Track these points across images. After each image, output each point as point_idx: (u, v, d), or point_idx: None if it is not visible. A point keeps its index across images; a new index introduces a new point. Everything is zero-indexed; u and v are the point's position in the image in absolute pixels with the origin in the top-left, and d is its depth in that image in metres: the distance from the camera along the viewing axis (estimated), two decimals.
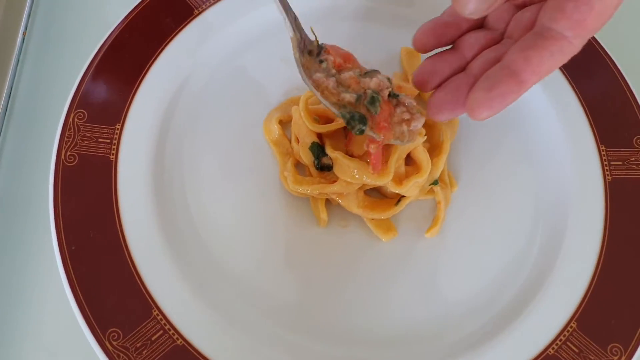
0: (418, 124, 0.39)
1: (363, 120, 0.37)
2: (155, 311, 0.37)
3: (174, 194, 0.42)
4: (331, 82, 0.38)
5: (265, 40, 0.49)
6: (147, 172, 0.41)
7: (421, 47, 0.40)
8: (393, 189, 0.41)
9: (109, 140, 0.42)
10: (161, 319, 0.37)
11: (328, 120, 0.43)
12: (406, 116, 0.38)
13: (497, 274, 0.41)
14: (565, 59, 0.33)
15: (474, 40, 0.39)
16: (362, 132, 0.37)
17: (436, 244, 0.42)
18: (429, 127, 0.45)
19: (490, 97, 0.33)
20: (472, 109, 0.34)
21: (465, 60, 0.39)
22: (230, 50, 0.48)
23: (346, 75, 0.39)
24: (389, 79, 0.39)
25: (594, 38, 0.49)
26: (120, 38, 0.45)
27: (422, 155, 0.41)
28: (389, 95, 0.38)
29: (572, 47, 0.32)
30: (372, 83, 0.38)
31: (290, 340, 0.38)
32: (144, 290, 0.37)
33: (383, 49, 0.50)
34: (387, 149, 0.40)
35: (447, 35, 0.39)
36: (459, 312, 0.40)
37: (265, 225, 0.42)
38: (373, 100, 0.37)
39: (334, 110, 0.37)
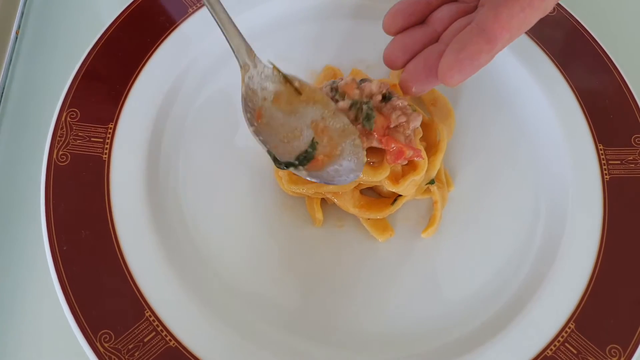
0: (416, 123, 0.39)
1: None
2: (147, 312, 0.36)
3: (168, 194, 0.41)
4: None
5: (262, 38, 0.48)
6: (140, 171, 0.41)
7: (389, 28, 0.38)
8: (389, 187, 0.40)
9: (101, 140, 0.41)
10: (154, 321, 0.36)
11: None
12: (402, 119, 0.38)
13: (494, 274, 0.41)
14: (536, 15, 0.32)
15: (445, 13, 0.38)
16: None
17: (433, 244, 0.42)
18: (425, 125, 0.44)
19: (460, 58, 0.32)
20: (443, 74, 0.33)
21: (437, 34, 0.37)
22: (225, 48, 0.47)
23: (345, 80, 0.39)
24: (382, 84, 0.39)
25: (592, 38, 0.48)
26: (114, 36, 0.45)
27: (421, 150, 0.41)
28: (383, 98, 0.38)
29: (543, 2, 0.31)
30: (374, 85, 0.39)
31: (285, 342, 0.38)
32: (136, 291, 0.37)
33: (382, 47, 0.49)
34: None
35: (416, 14, 0.38)
36: (455, 313, 0.39)
37: (260, 225, 0.41)
38: (369, 117, 0.37)
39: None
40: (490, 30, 0.32)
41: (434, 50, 0.36)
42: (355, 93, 0.38)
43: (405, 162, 0.39)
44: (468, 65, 0.32)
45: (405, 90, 0.39)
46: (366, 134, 0.39)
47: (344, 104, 0.38)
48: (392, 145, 0.38)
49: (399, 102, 0.39)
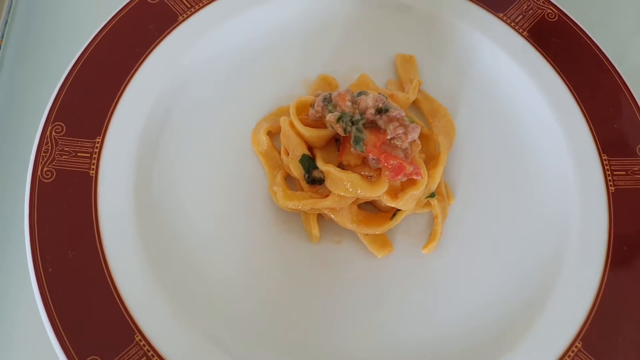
0: (414, 134, 0.38)
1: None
2: (137, 336, 0.35)
3: (158, 211, 0.40)
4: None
5: (256, 47, 0.46)
6: (128, 187, 0.39)
7: None
8: (388, 202, 0.39)
9: (88, 155, 0.40)
10: (144, 345, 0.35)
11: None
12: (400, 130, 0.37)
13: (497, 291, 0.40)
14: None
15: None
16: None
17: (434, 261, 0.40)
18: (425, 137, 0.43)
19: None
20: None
21: None
22: (215, 57, 0.45)
23: (339, 91, 0.39)
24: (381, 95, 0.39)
25: (595, 45, 0.47)
26: (101, 46, 0.43)
27: (420, 165, 0.39)
28: (379, 111, 0.37)
29: None
30: (369, 99, 0.38)
31: None
32: (125, 314, 0.35)
33: (378, 56, 0.48)
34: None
35: None
36: (457, 333, 0.38)
37: (255, 242, 0.40)
38: (357, 140, 0.37)
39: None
40: None
41: None
42: (347, 105, 0.37)
43: (405, 178, 0.38)
44: None
45: None
46: (361, 156, 0.38)
47: (332, 116, 0.38)
48: (392, 162, 0.36)
49: (396, 112, 0.38)
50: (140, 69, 0.43)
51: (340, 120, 0.37)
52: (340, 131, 0.38)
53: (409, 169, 0.37)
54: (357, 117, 0.38)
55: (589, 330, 0.37)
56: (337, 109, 0.38)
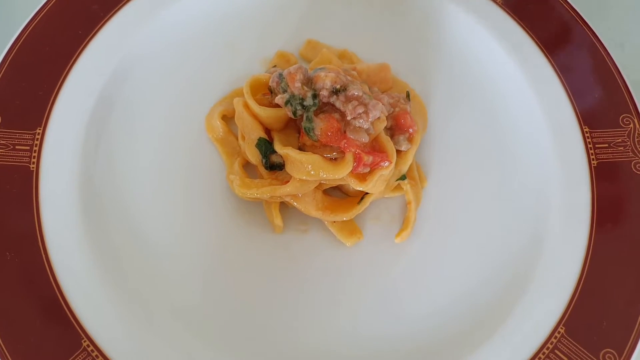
0: (376, 112, 0.35)
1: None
2: (85, 341, 0.33)
3: (106, 207, 0.37)
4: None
5: (206, 25, 0.43)
6: (73, 181, 0.37)
7: None
8: (356, 186, 0.36)
9: (28, 147, 0.37)
10: (92, 350, 0.32)
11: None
12: (360, 110, 0.34)
13: (475, 278, 0.37)
14: None
15: None
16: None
17: (406, 247, 0.38)
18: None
19: None
20: None
21: None
22: (165, 38, 0.42)
23: (289, 70, 0.36)
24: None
25: (575, 11, 0.44)
26: (39, 29, 0.40)
27: (387, 145, 0.36)
28: (336, 91, 0.34)
29: None
30: (328, 79, 0.35)
31: None
32: (71, 318, 0.33)
33: (334, 27, 0.45)
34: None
35: None
36: (435, 323, 0.36)
37: (215, 236, 0.37)
38: (307, 131, 0.34)
39: None
40: None
41: None
42: (296, 87, 0.34)
43: (367, 169, 0.35)
44: None
45: None
46: (319, 145, 0.35)
47: (280, 99, 0.35)
48: (352, 149, 0.34)
49: (354, 91, 0.34)
50: (84, 53, 0.40)
51: (289, 104, 0.34)
52: (290, 114, 0.35)
53: (368, 159, 0.34)
54: (309, 101, 0.34)
55: (572, 314, 0.35)
56: (288, 90, 0.35)
